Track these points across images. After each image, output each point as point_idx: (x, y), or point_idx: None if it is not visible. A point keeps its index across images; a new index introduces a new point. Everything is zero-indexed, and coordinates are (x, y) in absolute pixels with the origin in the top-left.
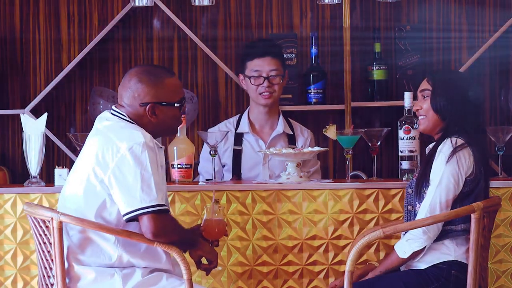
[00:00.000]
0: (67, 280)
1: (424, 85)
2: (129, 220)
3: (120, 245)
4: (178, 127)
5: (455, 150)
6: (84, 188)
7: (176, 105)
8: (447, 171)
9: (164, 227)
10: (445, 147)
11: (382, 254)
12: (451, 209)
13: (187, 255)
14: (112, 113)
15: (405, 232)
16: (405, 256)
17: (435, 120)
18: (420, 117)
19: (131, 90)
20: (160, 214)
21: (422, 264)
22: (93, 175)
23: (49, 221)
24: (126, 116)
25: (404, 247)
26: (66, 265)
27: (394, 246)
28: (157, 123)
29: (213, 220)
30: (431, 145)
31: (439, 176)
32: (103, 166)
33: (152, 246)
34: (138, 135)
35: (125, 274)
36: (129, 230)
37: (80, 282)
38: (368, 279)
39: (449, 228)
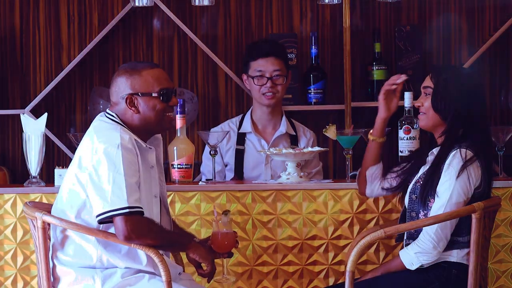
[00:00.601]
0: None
1: (427, 82)
2: (102, 222)
3: (101, 245)
4: (175, 125)
5: (465, 165)
6: (68, 188)
7: (154, 95)
8: (458, 186)
9: (136, 230)
10: (455, 161)
11: (382, 254)
12: (457, 221)
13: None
14: (105, 114)
15: (407, 235)
16: (413, 268)
17: (435, 119)
18: (420, 113)
19: (114, 86)
20: (131, 216)
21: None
22: (75, 176)
23: (34, 221)
24: (116, 116)
25: (411, 259)
26: (51, 264)
27: (400, 254)
28: (140, 117)
29: (220, 233)
30: (434, 151)
31: (449, 191)
32: (83, 167)
33: (132, 247)
34: (115, 136)
35: (105, 275)
36: (107, 231)
37: (61, 282)
38: (369, 278)
39: (455, 239)
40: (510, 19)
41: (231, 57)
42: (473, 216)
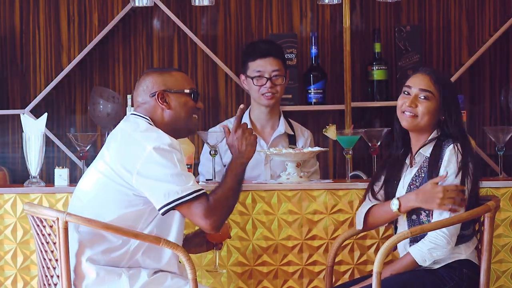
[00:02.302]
0: (73, 277)
1: (426, 85)
2: (165, 212)
3: (130, 245)
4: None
5: (464, 157)
6: (105, 186)
7: (186, 91)
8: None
9: (210, 208)
10: (454, 158)
11: None
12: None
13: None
14: (134, 116)
15: (411, 239)
16: (425, 264)
17: (428, 124)
18: (407, 113)
19: (141, 86)
20: (200, 198)
21: (434, 264)
22: (116, 174)
23: (54, 221)
24: (149, 118)
25: (424, 255)
26: (74, 262)
27: (411, 251)
28: (170, 113)
29: None
30: (422, 151)
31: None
32: (128, 164)
33: (158, 247)
34: (165, 137)
35: (131, 274)
36: (136, 231)
37: (86, 280)
38: (390, 277)
39: (461, 233)
40: (510, 19)
41: (231, 57)
42: (486, 215)
